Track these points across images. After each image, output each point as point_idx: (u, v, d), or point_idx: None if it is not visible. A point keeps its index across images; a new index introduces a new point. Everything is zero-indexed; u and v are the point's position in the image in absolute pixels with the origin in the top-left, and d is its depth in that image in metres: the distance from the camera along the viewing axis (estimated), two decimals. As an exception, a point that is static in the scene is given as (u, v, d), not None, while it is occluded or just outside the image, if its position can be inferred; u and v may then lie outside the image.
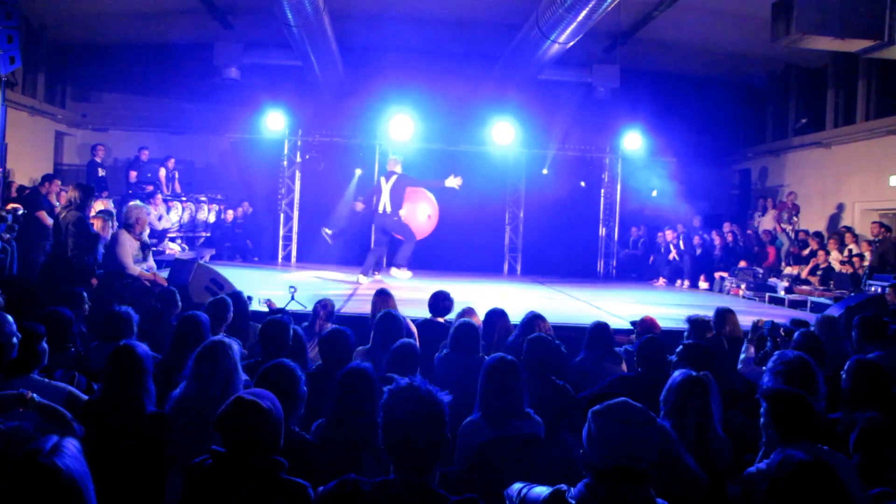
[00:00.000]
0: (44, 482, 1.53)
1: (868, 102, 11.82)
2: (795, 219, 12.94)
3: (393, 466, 2.05)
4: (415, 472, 2.02)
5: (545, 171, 13.98)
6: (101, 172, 12.24)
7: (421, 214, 10.78)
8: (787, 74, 13.98)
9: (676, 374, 3.10)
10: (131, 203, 6.83)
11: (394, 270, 10.15)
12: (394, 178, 9.82)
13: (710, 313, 5.43)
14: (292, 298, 6.58)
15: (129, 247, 6.30)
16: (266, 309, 5.92)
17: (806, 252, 11.96)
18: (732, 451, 3.58)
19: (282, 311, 5.85)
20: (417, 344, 4.88)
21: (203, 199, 13.14)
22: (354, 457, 2.73)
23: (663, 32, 11.93)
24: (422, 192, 10.95)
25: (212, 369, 2.87)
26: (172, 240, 12.02)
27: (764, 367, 4.27)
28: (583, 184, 14.27)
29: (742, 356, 4.64)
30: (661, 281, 13.22)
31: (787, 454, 2.16)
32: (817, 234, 12.24)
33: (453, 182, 10.03)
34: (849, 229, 11.83)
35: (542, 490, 2.11)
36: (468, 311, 5.08)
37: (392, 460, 2.05)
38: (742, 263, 12.34)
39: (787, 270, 11.76)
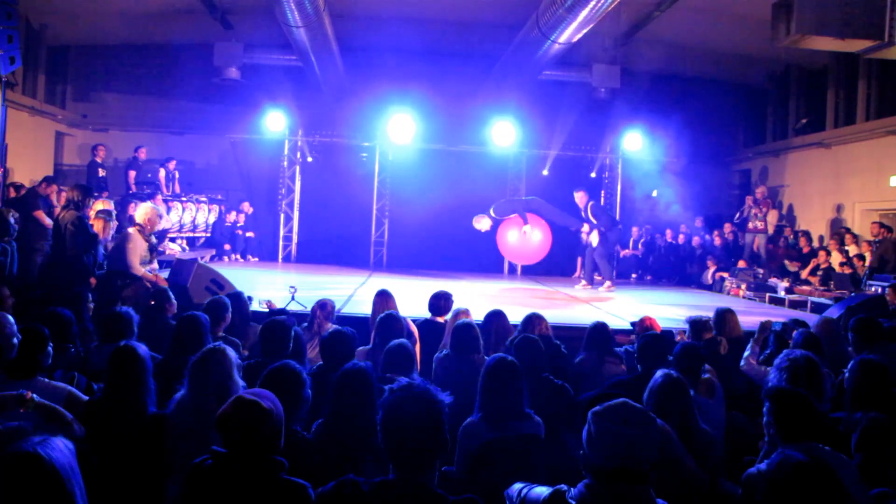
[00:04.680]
0: (25, 468, 1.57)
1: (868, 103, 11.82)
2: (765, 209, 12.98)
3: (392, 466, 2.05)
4: (414, 471, 2.02)
5: (545, 173, 14.00)
6: (101, 173, 12.24)
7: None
8: (787, 74, 13.98)
9: (658, 374, 3.11)
10: (144, 204, 6.79)
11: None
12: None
13: (710, 314, 5.43)
14: (292, 298, 6.58)
15: (139, 247, 6.28)
16: (266, 309, 5.92)
17: (782, 244, 12.28)
18: (730, 449, 3.59)
19: (283, 311, 5.85)
20: (418, 344, 4.90)
21: (203, 199, 13.13)
22: (354, 457, 2.73)
23: (663, 32, 11.93)
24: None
25: (205, 378, 2.87)
26: (172, 240, 12.02)
27: (766, 368, 4.28)
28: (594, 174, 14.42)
29: (746, 354, 4.63)
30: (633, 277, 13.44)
31: (787, 455, 2.16)
32: (806, 233, 12.30)
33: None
34: (848, 230, 11.84)
35: (542, 490, 2.11)
36: (462, 312, 5.07)
37: (391, 460, 2.05)
38: (741, 263, 12.35)
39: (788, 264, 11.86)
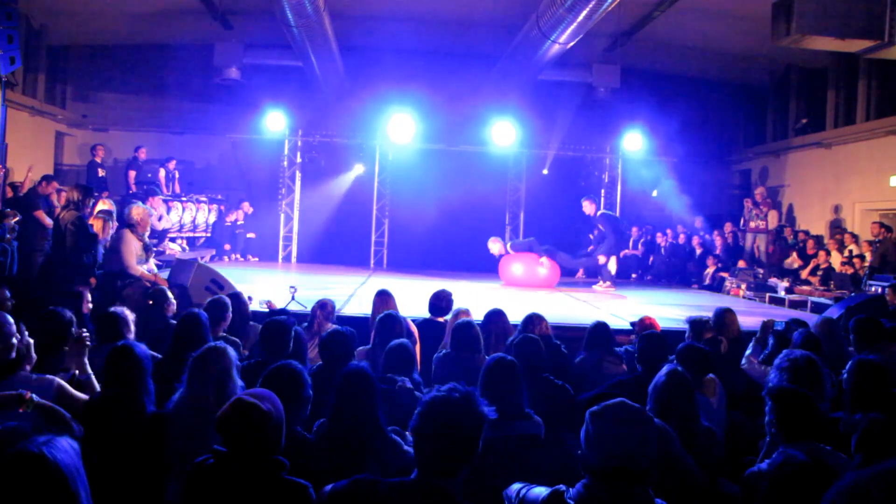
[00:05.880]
0: (29, 469, 1.57)
1: (868, 103, 11.81)
2: (765, 210, 13.03)
3: (417, 466, 2.03)
4: (438, 475, 1.99)
5: (545, 172, 14.01)
6: (101, 173, 12.25)
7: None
8: (788, 74, 13.97)
9: (663, 370, 3.11)
10: (134, 204, 6.80)
11: None
12: None
13: (710, 314, 5.42)
14: (293, 298, 6.58)
15: (133, 247, 6.27)
16: (266, 309, 5.92)
17: (779, 244, 12.40)
18: (730, 449, 3.59)
19: (283, 311, 5.84)
20: (418, 344, 4.90)
21: (203, 199, 13.14)
22: (355, 457, 2.73)
23: (663, 32, 11.93)
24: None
25: (204, 375, 2.87)
26: (172, 240, 12.01)
27: (766, 367, 4.28)
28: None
29: (748, 353, 4.63)
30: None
31: (789, 455, 2.16)
32: (815, 236, 12.30)
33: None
34: (846, 231, 11.83)
35: (541, 490, 2.11)
36: (463, 312, 5.07)
37: (418, 459, 2.03)
38: (741, 263, 12.35)
39: (789, 262, 11.87)
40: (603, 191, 14.49)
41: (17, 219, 8.24)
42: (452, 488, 1.99)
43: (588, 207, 11.12)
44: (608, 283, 10.82)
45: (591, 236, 12.73)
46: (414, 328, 5.17)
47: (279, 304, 6.21)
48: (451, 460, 1.99)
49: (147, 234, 6.82)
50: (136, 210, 6.53)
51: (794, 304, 10.42)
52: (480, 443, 2.50)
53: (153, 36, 13.12)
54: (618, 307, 8.55)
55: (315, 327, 5.12)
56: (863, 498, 1.55)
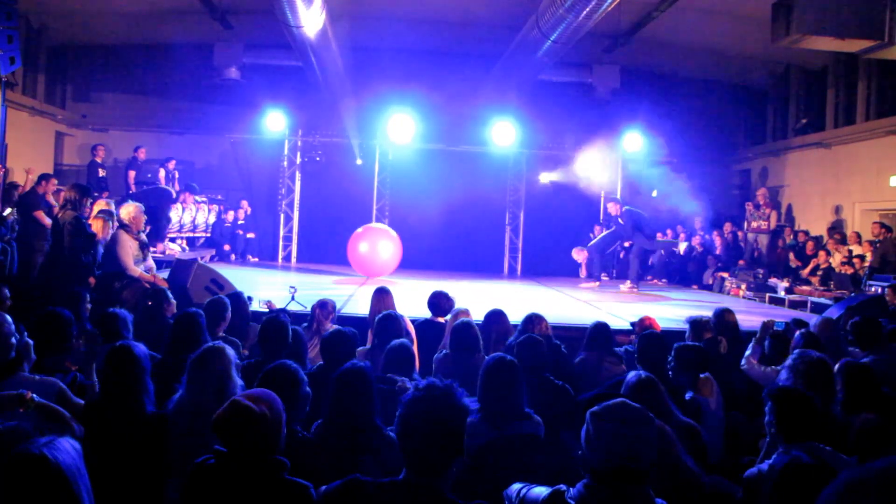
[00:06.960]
0: (31, 470, 1.57)
1: (868, 102, 11.81)
2: (767, 211, 13.06)
3: (405, 466, 2.03)
4: (426, 473, 1.99)
5: (545, 174, 14.02)
6: (101, 173, 12.24)
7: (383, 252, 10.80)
8: (788, 75, 13.97)
9: (630, 375, 3.12)
10: (126, 203, 6.79)
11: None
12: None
13: (710, 314, 5.43)
14: (292, 299, 6.58)
15: (129, 247, 6.26)
16: (266, 309, 5.92)
17: (780, 244, 12.52)
18: (729, 449, 3.58)
19: (282, 311, 5.84)
20: (415, 344, 4.90)
21: (203, 199, 13.13)
22: (353, 456, 2.73)
23: (663, 32, 11.92)
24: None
25: (203, 375, 2.87)
26: (172, 240, 12.01)
27: (765, 368, 4.28)
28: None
29: (747, 353, 4.63)
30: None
31: (794, 456, 2.16)
32: (814, 237, 12.31)
33: None
34: (844, 236, 11.83)
35: (541, 490, 2.11)
36: (462, 312, 5.07)
37: (405, 459, 2.03)
38: (741, 263, 12.35)
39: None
40: (602, 192, 14.47)
41: (12, 215, 8.23)
42: (441, 485, 2.00)
43: (613, 208, 11.36)
44: (631, 283, 10.95)
45: (595, 229, 12.84)
46: (411, 327, 5.16)
47: (279, 304, 6.21)
48: (438, 457, 2.00)
49: (146, 231, 6.80)
50: (126, 209, 6.51)
51: (794, 305, 10.42)
52: (478, 442, 2.49)
53: (153, 36, 13.11)
54: (618, 307, 8.55)
55: (315, 327, 5.13)
56: (859, 495, 1.54)
